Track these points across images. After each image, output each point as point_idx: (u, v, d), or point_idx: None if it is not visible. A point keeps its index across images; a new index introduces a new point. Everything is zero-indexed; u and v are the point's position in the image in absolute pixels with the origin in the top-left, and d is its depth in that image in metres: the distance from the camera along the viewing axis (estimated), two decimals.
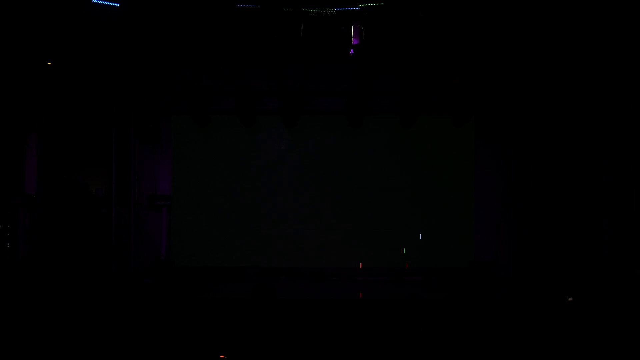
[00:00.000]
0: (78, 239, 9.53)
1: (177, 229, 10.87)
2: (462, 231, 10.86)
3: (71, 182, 10.33)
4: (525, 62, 9.91)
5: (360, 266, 10.87)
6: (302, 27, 8.98)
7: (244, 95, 10.10)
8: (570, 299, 8.24)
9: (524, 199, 10.79)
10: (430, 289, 9.93)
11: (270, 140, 11.04)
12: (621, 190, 10.06)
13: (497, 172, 11.00)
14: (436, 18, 8.80)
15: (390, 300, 8.63)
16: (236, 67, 10.40)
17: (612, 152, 10.17)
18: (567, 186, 10.40)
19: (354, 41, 9.16)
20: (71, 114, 10.40)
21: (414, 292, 9.48)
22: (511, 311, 7.91)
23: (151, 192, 10.96)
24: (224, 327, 7.03)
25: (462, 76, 10.36)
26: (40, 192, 10.10)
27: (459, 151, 10.92)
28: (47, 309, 7.81)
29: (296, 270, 10.82)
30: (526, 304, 8.28)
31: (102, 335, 6.74)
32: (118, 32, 8.93)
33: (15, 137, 10.37)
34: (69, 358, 6.26)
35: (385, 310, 7.66)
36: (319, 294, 9.44)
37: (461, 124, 10.47)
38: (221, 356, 6.13)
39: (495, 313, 7.84)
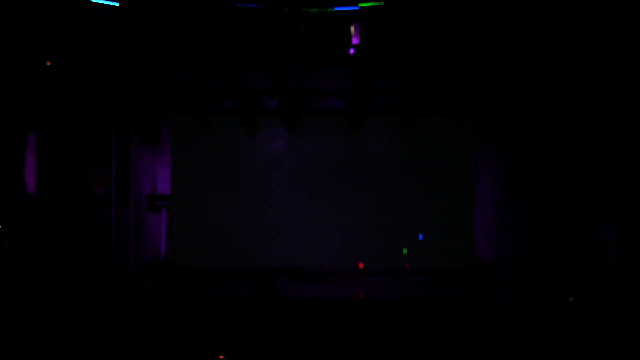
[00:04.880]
0: (78, 239, 9.52)
1: (177, 229, 10.86)
2: (463, 231, 10.86)
3: (71, 181, 10.33)
4: (525, 62, 9.93)
5: (360, 266, 10.86)
6: (302, 27, 8.98)
7: (244, 95, 10.10)
8: (570, 299, 8.22)
9: (524, 199, 10.80)
10: (430, 289, 9.91)
11: (270, 140, 11.04)
12: (621, 189, 10.07)
13: (497, 172, 11.00)
14: (437, 18, 8.81)
15: (390, 300, 8.62)
16: (236, 67, 10.41)
17: (612, 151, 10.18)
18: (567, 186, 10.40)
19: (354, 41, 9.17)
20: (71, 114, 10.41)
21: (414, 292, 9.45)
22: (511, 311, 7.90)
23: (151, 192, 10.96)
24: (224, 327, 7.03)
25: (462, 76, 10.37)
26: (39, 192, 10.10)
27: (459, 151, 10.92)
28: (46, 309, 7.80)
29: (296, 270, 10.81)
30: (526, 303, 8.28)
31: (102, 335, 6.74)
32: (118, 32, 8.94)
33: (15, 137, 10.38)
34: (70, 358, 6.26)
35: (385, 310, 7.65)
36: (318, 294, 9.42)
37: (461, 124, 10.46)
38: (221, 356, 6.12)
39: (495, 313, 7.84)
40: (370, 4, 8.63)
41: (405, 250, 10.85)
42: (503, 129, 10.43)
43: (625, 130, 10.13)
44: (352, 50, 9.23)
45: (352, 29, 9.10)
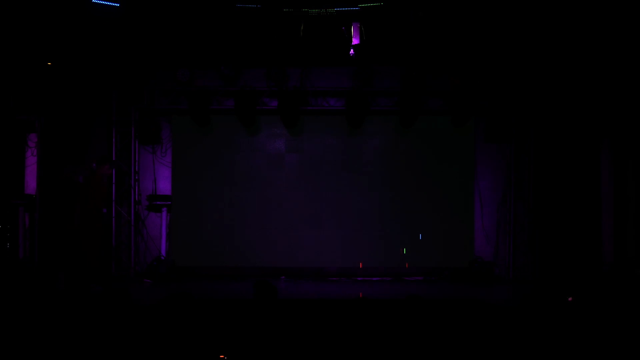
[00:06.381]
0: (78, 239, 9.51)
1: (177, 229, 10.87)
2: (462, 231, 10.87)
3: (71, 182, 10.33)
4: (525, 62, 9.93)
5: (360, 266, 10.87)
6: (302, 27, 8.99)
7: (244, 95, 10.12)
8: (570, 299, 8.23)
9: (524, 199, 10.81)
10: (430, 289, 9.92)
11: (270, 140, 11.05)
12: (621, 189, 10.07)
13: (497, 172, 11.02)
14: (436, 18, 8.82)
15: (390, 300, 8.63)
16: (236, 67, 10.42)
17: (612, 151, 10.19)
18: (567, 186, 10.40)
19: (354, 41, 9.18)
20: (71, 114, 10.41)
21: (414, 291, 9.47)
22: (511, 311, 7.91)
23: (151, 192, 10.97)
24: (224, 327, 7.03)
25: (462, 76, 10.38)
26: (40, 192, 10.11)
27: (459, 150, 10.92)
28: (47, 308, 7.81)
29: (296, 270, 10.82)
30: (526, 303, 8.29)
31: (102, 336, 6.74)
32: (118, 32, 8.95)
33: (15, 136, 10.38)
34: (70, 358, 6.26)
35: (385, 310, 7.66)
36: (318, 293, 9.43)
37: (461, 124, 10.49)
38: (221, 356, 6.13)
39: (495, 313, 7.85)
40: (370, 4, 8.62)
41: (405, 250, 10.86)
42: (503, 129, 10.45)
43: (625, 130, 10.14)
44: (352, 51, 9.24)
45: (352, 29, 9.10)
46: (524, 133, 10.78)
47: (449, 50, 9.81)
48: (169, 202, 10.82)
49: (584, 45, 9.16)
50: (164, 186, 11.05)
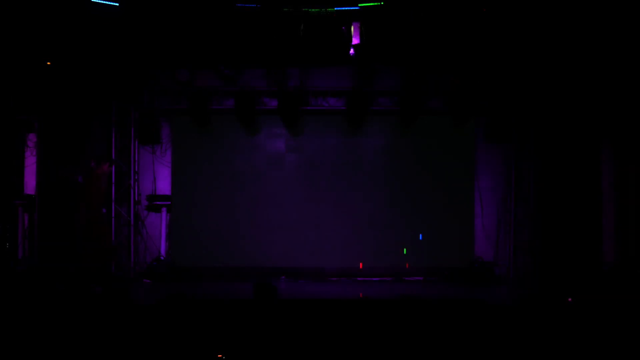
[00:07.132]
0: (77, 239, 9.52)
1: (177, 229, 10.86)
2: (463, 231, 10.85)
3: (70, 181, 10.33)
4: (525, 62, 9.93)
5: (361, 266, 10.86)
6: (302, 27, 8.99)
7: (244, 95, 10.12)
8: (569, 299, 8.22)
9: (524, 200, 10.80)
10: (430, 289, 9.92)
11: (270, 140, 11.04)
12: (622, 188, 10.07)
13: (497, 172, 11.01)
14: (437, 18, 8.82)
15: (390, 300, 8.62)
16: (236, 67, 10.42)
17: (612, 150, 10.18)
18: (567, 185, 10.40)
19: (354, 41, 9.18)
20: (70, 114, 10.41)
21: (414, 292, 9.47)
22: (511, 311, 7.91)
23: (150, 192, 10.97)
24: (223, 327, 7.02)
25: (462, 77, 10.38)
26: (39, 192, 10.11)
27: (460, 151, 10.91)
28: (47, 309, 7.81)
29: (296, 271, 10.81)
30: (526, 303, 8.28)
31: (103, 336, 6.74)
32: (118, 31, 8.94)
33: (15, 137, 10.38)
34: (70, 358, 6.26)
35: (386, 310, 7.66)
36: (319, 293, 9.43)
37: (461, 124, 10.49)
38: (219, 355, 6.12)
39: (495, 313, 7.84)
40: (370, 4, 8.62)
41: (405, 250, 10.85)
42: (503, 129, 10.44)
43: (626, 129, 10.14)
44: (352, 50, 9.23)
45: (352, 29, 9.10)
46: (524, 133, 10.77)
47: (449, 50, 9.80)
48: (169, 202, 10.82)
49: (583, 45, 9.16)
50: (164, 186, 11.05)
